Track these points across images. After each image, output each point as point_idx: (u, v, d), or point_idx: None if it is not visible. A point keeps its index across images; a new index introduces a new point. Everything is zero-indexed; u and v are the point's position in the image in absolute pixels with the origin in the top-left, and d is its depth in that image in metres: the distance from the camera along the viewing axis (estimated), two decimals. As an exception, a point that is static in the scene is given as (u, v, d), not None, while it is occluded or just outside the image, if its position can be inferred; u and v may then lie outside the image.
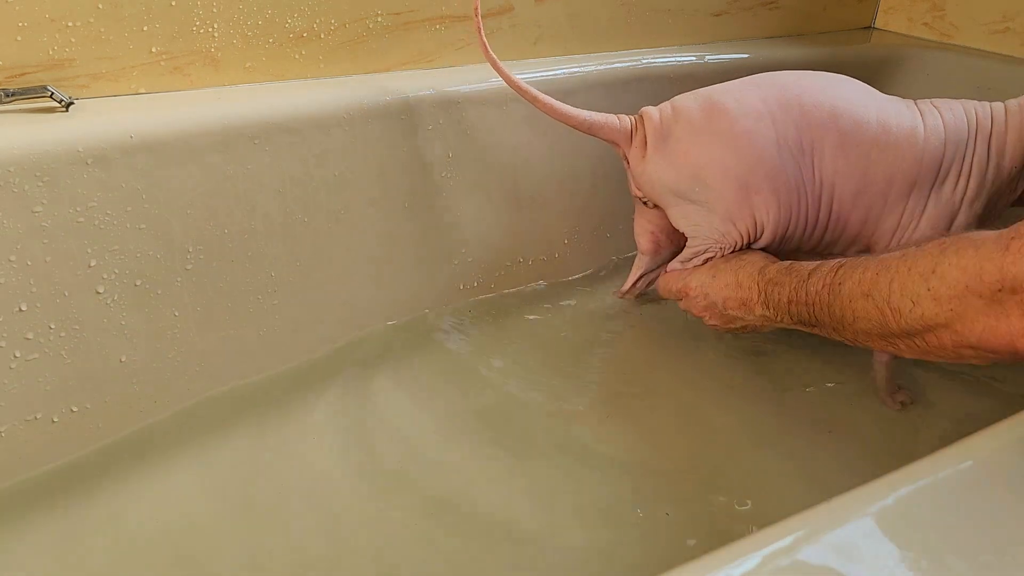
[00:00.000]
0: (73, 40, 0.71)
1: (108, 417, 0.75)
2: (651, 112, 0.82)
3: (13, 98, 0.69)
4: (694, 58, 1.05)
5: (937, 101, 0.80)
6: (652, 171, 0.81)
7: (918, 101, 0.81)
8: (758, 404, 0.83)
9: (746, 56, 1.09)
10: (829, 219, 0.80)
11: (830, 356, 0.88)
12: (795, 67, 0.83)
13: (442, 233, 0.92)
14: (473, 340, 0.92)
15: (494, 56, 0.81)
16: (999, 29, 1.16)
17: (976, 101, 0.81)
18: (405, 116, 0.85)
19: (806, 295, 0.70)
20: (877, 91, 0.82)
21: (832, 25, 1.24)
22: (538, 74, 0.92)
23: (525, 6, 0.95)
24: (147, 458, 0.74)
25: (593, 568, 0.64)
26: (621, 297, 0.96)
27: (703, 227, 0.80)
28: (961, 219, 0.79)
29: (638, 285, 0.94)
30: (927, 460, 0.44)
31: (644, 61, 1.01)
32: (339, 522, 0.69)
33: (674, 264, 0.85)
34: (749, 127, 0.77)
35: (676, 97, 0.82)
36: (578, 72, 0.96)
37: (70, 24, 0.70)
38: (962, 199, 0.78)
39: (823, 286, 0.68)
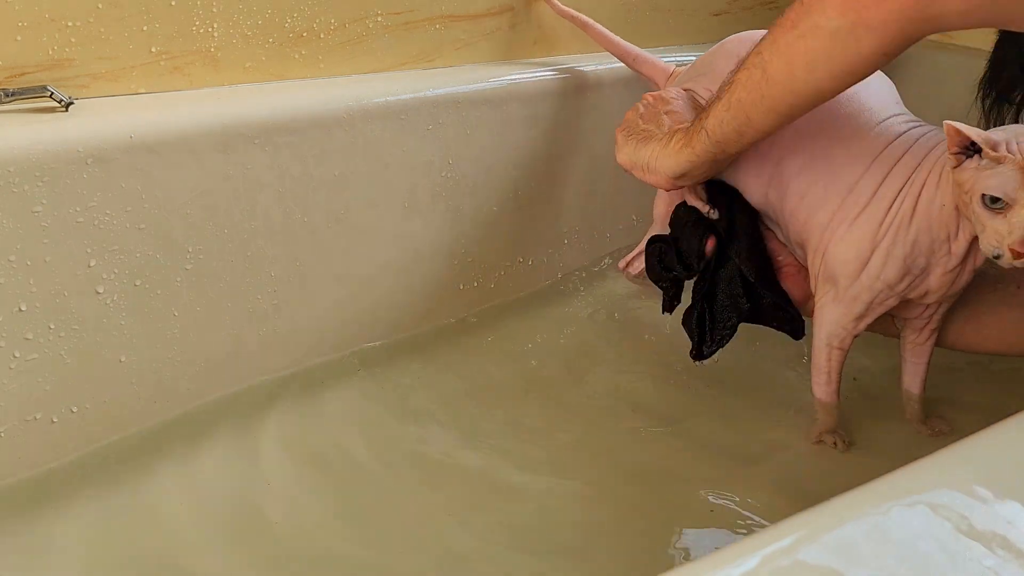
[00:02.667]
0: (73, 40, 0.70)
1: (108, 417, 0.75)
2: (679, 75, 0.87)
3: (13, 98, 0.69)
4: (694, 58, 1.05)
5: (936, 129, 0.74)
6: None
7: (924, 125, 0.76)
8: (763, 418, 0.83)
9: (746, 56, 1.08)
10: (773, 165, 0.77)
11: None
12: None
13: (442, 233, 0.92)
14: (473, 340, 0.93)
15: None
16: (999, 29, 1.16)
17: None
18: (405, 116, 0.85)
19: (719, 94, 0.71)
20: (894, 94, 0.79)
21: (832, 25, 1.24)
22: (538, 74, 0.92)
23: (525, 6, 0.95)
24: (146, 458, 0.74)
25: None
26: (623, 269, 0.94)
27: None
28: (882, 251, 0.72)
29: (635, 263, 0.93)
30: (927, 460, 0.44)
31: (644, 61, 1.01)
32: (360, 505, 0.69)
33: None
34: None
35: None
36: (578, 72, 0.96)
37: (70, 24, 0.70)
38: (891, 224, 0.72)
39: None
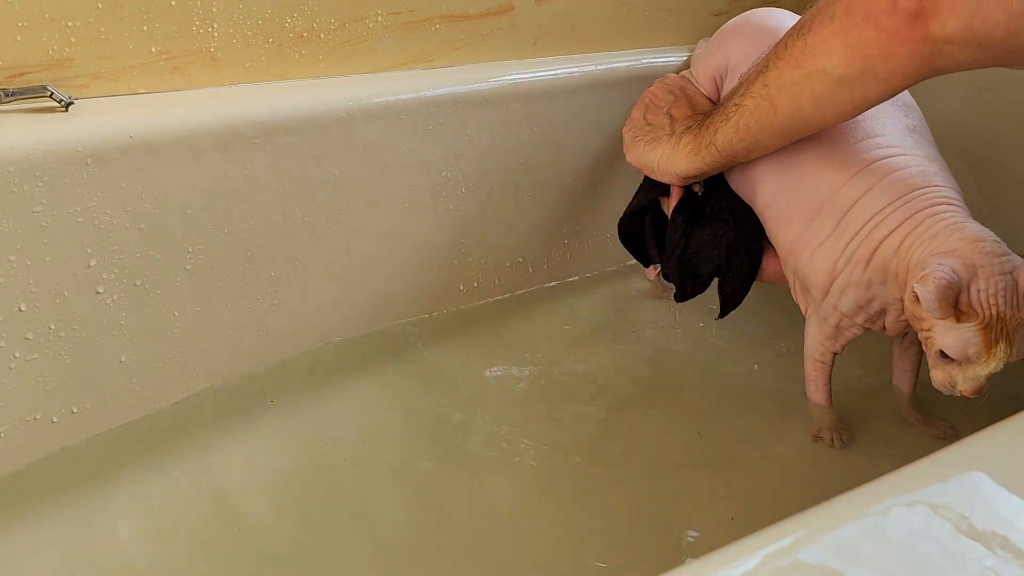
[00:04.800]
0: (73, 40, 0.70)
1: (108, 417, 0.75)
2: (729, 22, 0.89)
3: (13, 98, 0.69)
4: (694, 58, 1.05)
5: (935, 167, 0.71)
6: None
7: (904, 155, 0.71)
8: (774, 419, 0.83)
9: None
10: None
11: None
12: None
13: (442, 233, 0.92)
14: (473, 340, 0.93)
15: None
16: None
17: (952, 198, 0.68)
18: (405, 116, 0.84)
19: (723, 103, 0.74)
20: (911, 108, 0.76)
21: (832, 25, 1.24)
22: (538, 74, 0.92)
23: (525, 6, 0.95)
24: (147, 458, 0.74)
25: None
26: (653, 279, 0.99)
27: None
28: (840, 283, 0.70)
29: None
30: (927, 460, 0.44)
31: (644, 61, 1.01)
32: (361, 504, 0.69)
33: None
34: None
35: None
36: (578, 72, 0.96)
37: (70, 24, 0.70)
38: (848, 261, 0.69)
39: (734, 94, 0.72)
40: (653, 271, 0.97)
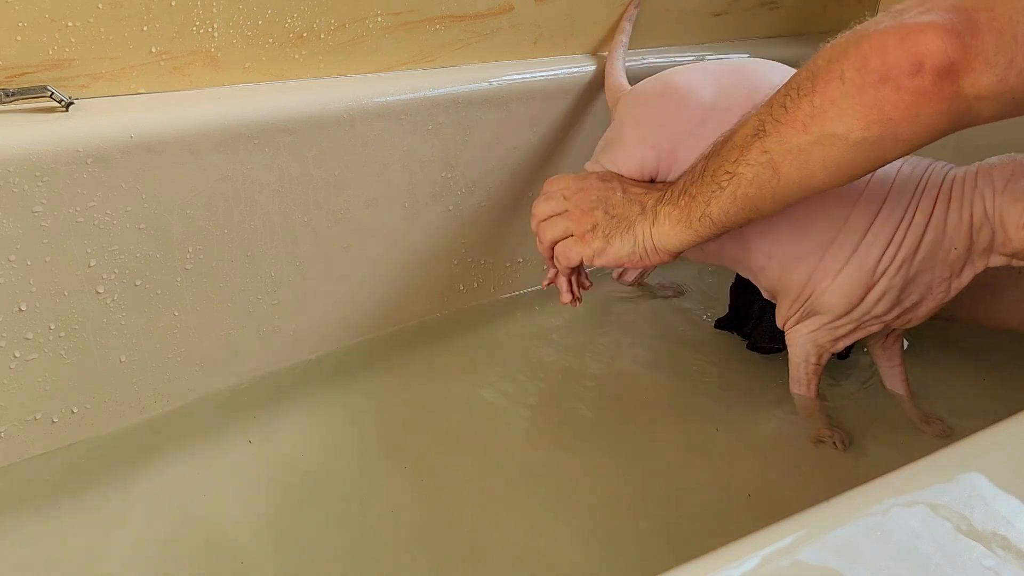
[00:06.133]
0: (73, 40, 0.70)
1: (108, 417, 0.75)
2: (628, 94, 0.85)
3: (13, 98, 0.69)
4: (694, 58, 1.05)
5: (914, 158, 0.71)
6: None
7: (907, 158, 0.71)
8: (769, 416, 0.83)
9: (746, 56, 1.08)
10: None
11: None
12: (795, 67, 0.82)
13: (442, 233, 0.92)
14: (474, 340, 0.92)
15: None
16: None
17: (950, 164, 0.71)
18: (405, 116, 0.85)
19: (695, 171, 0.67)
20: None
21: (832, 25, 1.23)
22: (538, 74, 0.92)
23: (525, 6, 0.95)
24: (146, 458, 0.74)
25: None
26: (617, 279, 0.99)
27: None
28: (876, 292, 0.71)
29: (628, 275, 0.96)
30: (926, 460, 0.44)
31: (644, 61, 1.01)
32: (362, 504, 0.69)
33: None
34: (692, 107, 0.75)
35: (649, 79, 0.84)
36: (578, 72, 0.96)
37: (70, 24, 0.70)
38: (888, 267, 0.70)
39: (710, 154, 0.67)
40: (631, 275, 0.99)
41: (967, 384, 0.86)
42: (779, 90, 0.61)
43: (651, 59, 1.02)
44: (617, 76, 0.93)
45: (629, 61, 0.99)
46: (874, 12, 1.25)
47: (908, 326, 0.75)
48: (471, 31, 0.91)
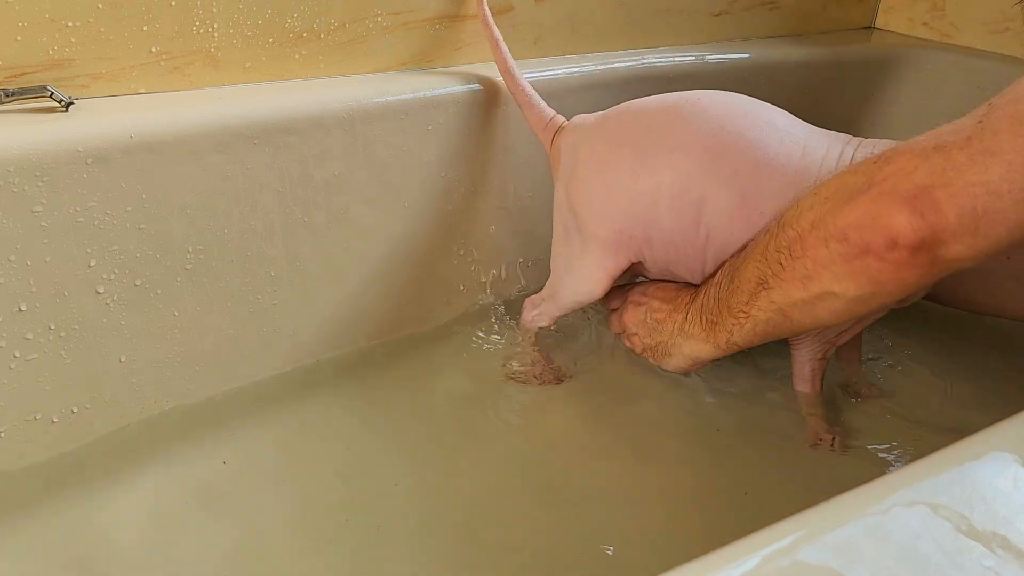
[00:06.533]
0: (73, 40, 0.70)
1: (108, 417, 0.75)
2: (568, 131, 0.83)
3: (13, 98, 0.69)
4: (694, 58, 1.05)
5: (871, 141, 0.71)
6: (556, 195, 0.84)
7: (853, 139, 0.72)
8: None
9: (746, 56, 1.08)
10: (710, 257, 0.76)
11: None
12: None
13: (442, 233, 0.92)
14: (474, 340, 0.92)
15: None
16: (999, 29, 1.16)
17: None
18: (405, 116, 0.84)
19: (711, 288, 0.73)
20: (797, 122, 0.75)
21: (832, 25, 1.24)
22: (538, 74, 0.92)
23: (525, 6, 0.95)
24: (146, 458, 0.74)
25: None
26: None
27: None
28: None
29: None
30: (926, 460, 0.44)
31: (644, 61, 1.01)
32: (362, 504, 0.69)
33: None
34: (642, 185, 0.75)
35: (602, 119, 0.81)
36: (578, 72, 0.96)
37: (70, 24, 0.70)
38: None
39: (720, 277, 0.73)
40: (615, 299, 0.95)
41: (967, 384, 0.86)
42: (771, 238, 0.66)
43: (650, 59, 1.02)
44: (536, 103, 0.86)
45: (626, 62, 0.99)
46: (874, 12, 1.26)
47: (903, 304, 0.75)
48: (471, 31, 0.91)
